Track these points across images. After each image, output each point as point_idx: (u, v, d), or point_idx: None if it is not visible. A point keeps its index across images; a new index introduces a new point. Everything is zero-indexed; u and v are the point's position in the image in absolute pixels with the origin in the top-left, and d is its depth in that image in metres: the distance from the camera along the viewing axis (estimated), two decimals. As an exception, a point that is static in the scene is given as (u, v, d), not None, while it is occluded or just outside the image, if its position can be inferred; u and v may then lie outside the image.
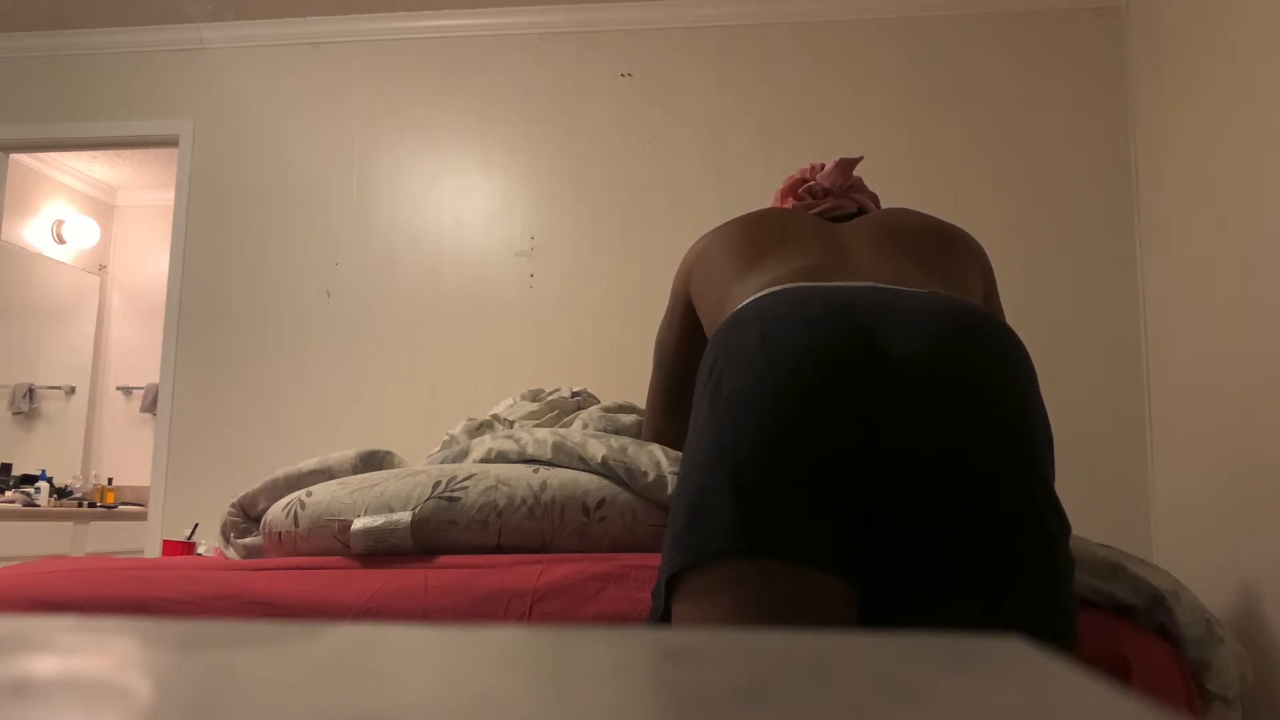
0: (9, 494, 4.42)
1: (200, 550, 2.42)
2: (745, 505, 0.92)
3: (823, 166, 1.56)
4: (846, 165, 1.52)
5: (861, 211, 1.48)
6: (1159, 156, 2.77)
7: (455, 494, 1.40)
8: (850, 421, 0.96)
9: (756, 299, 1.09)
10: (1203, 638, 1.25)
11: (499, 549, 1.39)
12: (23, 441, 4.90)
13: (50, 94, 3.64)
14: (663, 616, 0.98)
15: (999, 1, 3.16)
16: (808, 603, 0.91)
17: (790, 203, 1.55)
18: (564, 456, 1.48)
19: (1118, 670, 1.17)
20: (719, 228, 1.38)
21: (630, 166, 3.28)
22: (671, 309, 1.47)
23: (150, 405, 4.91)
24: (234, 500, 1.70)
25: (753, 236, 1.30)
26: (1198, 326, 2.44)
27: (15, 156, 4.19)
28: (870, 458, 0.95)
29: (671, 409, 1.49)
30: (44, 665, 0.25)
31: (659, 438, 1.52)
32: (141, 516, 4.09)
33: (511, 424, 1.89)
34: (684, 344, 1.44)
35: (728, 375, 1.02)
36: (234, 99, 3.53)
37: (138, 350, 5.24)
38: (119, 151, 4.82)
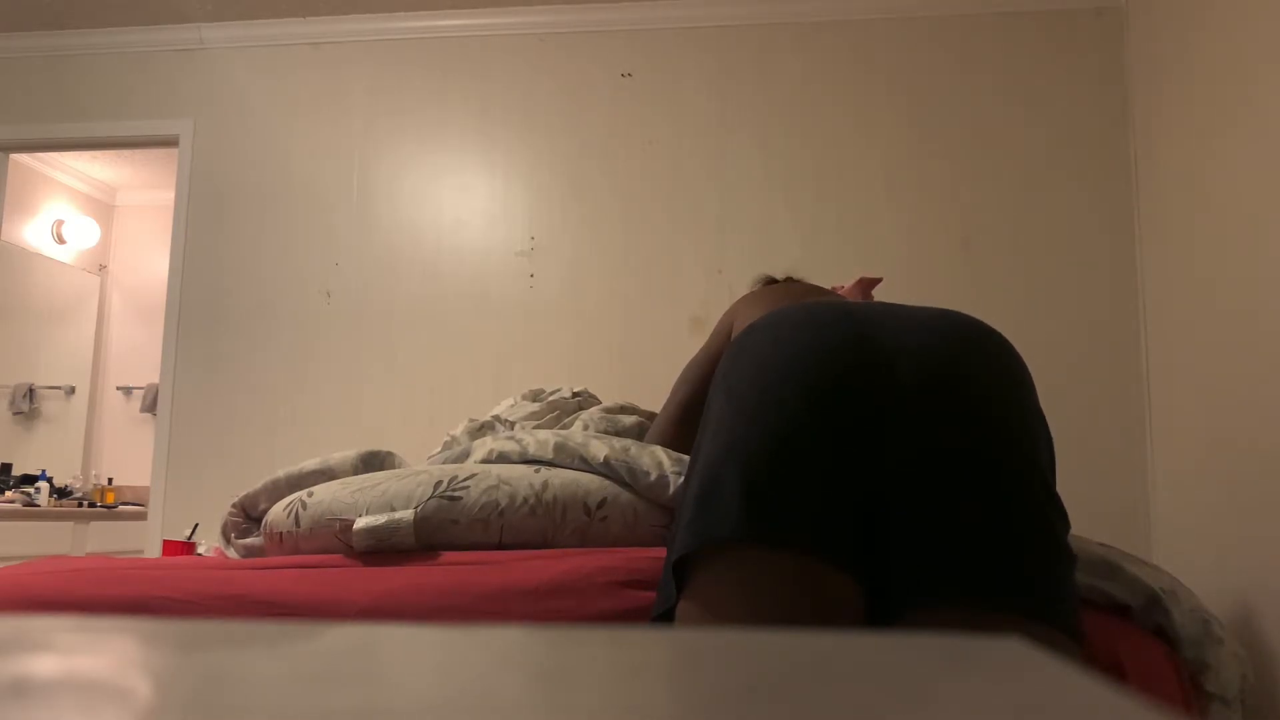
0: (9, 494, 4.41)
1: (200, 550, 2.42)
2: (753, 496, 0.94)
3: (843, 287, 1.72)
4: (866, 285, 1.58)
5: None
6: (1159, 156, 2.77)
7: (457, 493, 1.40)
8: (857, 420, 0.99)
9: (771, 311, 1.15)
10: (1200, 638, 1.24)
11: (500, 548, 1.39)
12: (23, 441, 4.90)
13: (50, 94, 3.64)
14: (667, 613, 0.99)
15: (999, 1, 3.16)
16: (811, 594, 0.93)
17: None
18: (566, 457, 1.48)
19: (1112, 670, 1.17)
20: (764, 289, 1.63)
21: (630, 166, 3.28)
22: (715, 334, 1.65)
23: (150, 405, 4.91)
24: (234, 500, 1.70)
25: (788, 293, 1.50)
26: (1198, 326, 2.44)
27: (15, 156, 4.19)
28: (876, 455, 0.97)
29: (685, 420, 1.57)
30: (44, 665, 0.25)
31: (663, 442, 1.54)
32: (141, 516, 4.10)
33: (512, 424, 1.89)
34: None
35: (741, 373, 1.06)
36: (234, 99, 3.53)
37: (138, 350, 5.24)
38: (119, 151, 4.82)
